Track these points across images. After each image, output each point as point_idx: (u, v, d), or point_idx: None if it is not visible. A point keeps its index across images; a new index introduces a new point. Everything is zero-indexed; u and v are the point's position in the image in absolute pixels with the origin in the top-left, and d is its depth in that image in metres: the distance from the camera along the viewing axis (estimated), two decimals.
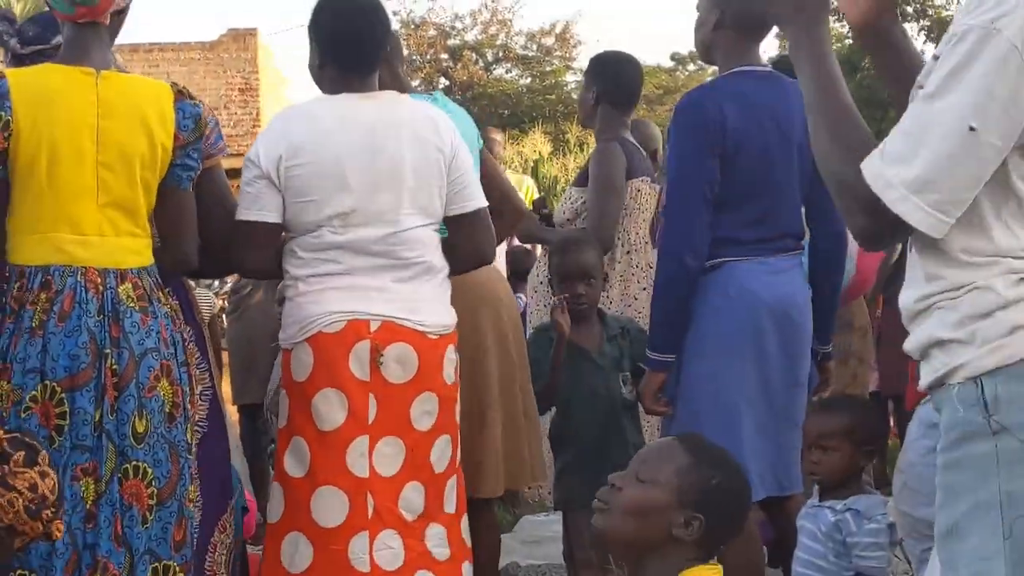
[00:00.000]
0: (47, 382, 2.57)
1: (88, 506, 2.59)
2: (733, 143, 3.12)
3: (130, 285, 2.67)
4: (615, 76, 4.30)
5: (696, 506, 1.93)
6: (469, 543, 3.14)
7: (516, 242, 6.15)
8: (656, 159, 5.04)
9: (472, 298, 3.32)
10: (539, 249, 5.09)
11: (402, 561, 2.95)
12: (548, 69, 30.03)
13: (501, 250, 3.47)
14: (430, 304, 3.02)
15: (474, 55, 30.26)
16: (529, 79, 30.42)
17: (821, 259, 3.40)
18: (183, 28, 65.68)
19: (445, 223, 3.09)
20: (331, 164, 2.92)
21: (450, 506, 3.07)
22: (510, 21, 30.52)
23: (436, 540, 3.03)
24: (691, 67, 29.44)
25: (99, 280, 2.63)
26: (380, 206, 2.95)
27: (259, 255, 2.99)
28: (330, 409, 2.91)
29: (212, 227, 2.87)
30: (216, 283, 9.67)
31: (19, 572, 2.52)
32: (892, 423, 6.01)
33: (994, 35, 1.54)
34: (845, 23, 29.40)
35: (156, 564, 2.66)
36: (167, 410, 2.68)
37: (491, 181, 3.36)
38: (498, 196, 3.36)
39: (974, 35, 1.56)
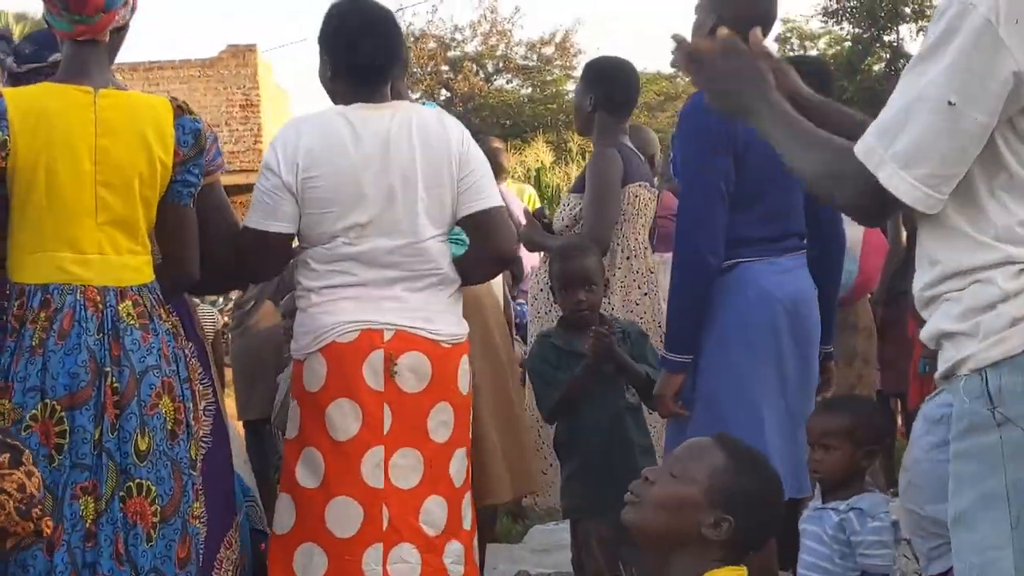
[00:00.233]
0: (47, 401, 2.56)
1: (88, 525, 2.57)
2: (743, 141, 3.12)
3: (130, 303, 2.66)
4: (611, 82, 4.28)
5: (727, 507, 1.92)
6: (478, 561, 3.14)
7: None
8: (654, 164, 5.02)
9: None
10: (536, 257, 5.09)
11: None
12: (549, 78, 30.12)
13: None
14: (443, 314, 3.02)
15: (474, 66, 30.36)
16: (530, 89, 30.51)
17: (821, 259, 3.39)
18: (182, 46, 65.93)
19: (461, 225, 3.08)
20: (348, 175, 2.92)
21: (467, 522, 3.07)
22: (510, 32, 30.63)
23: (454, 557, 3.02)
24: None
25: (99, 298, 2.62)
26: (395, 217, 2.95)
27: (275, 264, 3.12)
28: (344, 419, 2.90)
29: (214, 243, 2.86)
30: (220, 300, 9.69)
31: None
32: (900, 422, 6.00)
33: (971, 11, 1.58)
34: (841, 23, 29.04)
35: None
36: (169, 427, 2.67)
37: None
38: None
39: (953, 10, 1.60)
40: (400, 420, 2.93)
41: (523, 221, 4.62)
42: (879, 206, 1.70)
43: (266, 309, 5.33)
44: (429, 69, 29.43)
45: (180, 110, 2.74)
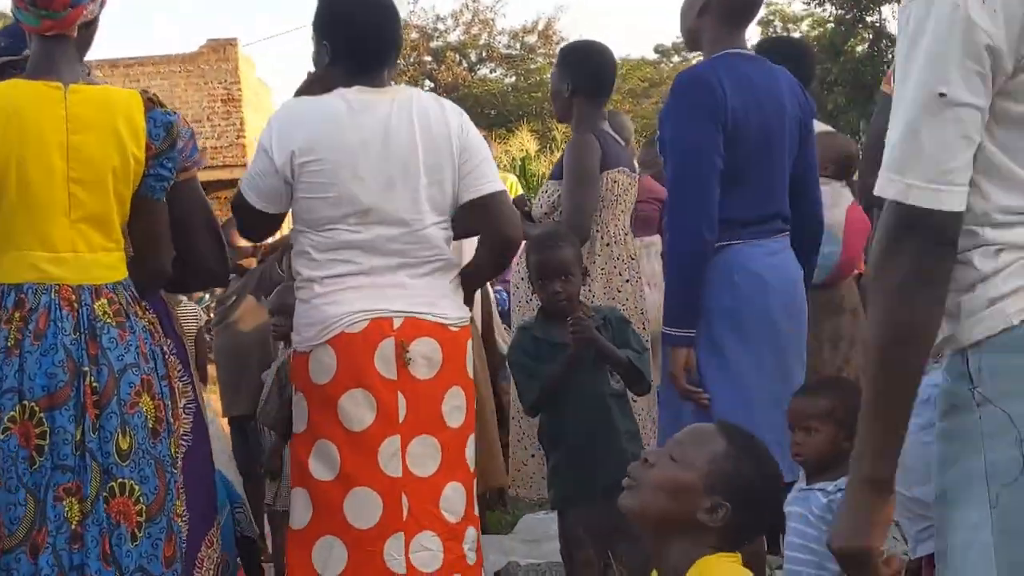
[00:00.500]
0: (25, 402, 2.54)
1: (73, 527, 2.55)
2: (733, 120, 3.11)
3: (106, 301, 2.63)
4: (588, 67, 4.23)
5: (724, 494, 1.93)
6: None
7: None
8: (628, 148, 4.98)
9: None
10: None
11: (440, 563, 2.93)
12: (532, 67, 30.11)
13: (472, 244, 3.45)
14: (446, 299, 3.02)
15: (457, 56, 30.33)
16: (514, 78, 30.49)
17: (800, 240, 3.38)
18: (162, 42, 65.74)
19: (464, 211, 3.05)
20: (347, 158, 2.90)
21: (475, 508, 3.08)
22: (492, 21, 30.60)
23: (471, 543, 3.03)
24: (675, 59, 29.53)
25: (74, 297, 2.60)
26: (397, 204, 2.93)
27: (268, 234, 3.23)
28: (358, 409, 2.88)
29: (193, 239, 2.84)
30: (207, 296, 9.65)
31: None
32: None
33: (933, 1, 1.55)
34: (824, 5, 28.86)
35: None
36: (151, 425, 2.65)
37: None
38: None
39: (914, 10, 1.57)
40: (415, 408, 2.92)
41: None
42: (939, 234, 1.56)
43: (248, 304, 5.29)
44: (412, 60, 29.38)
45: (151, 103, 2.71)
